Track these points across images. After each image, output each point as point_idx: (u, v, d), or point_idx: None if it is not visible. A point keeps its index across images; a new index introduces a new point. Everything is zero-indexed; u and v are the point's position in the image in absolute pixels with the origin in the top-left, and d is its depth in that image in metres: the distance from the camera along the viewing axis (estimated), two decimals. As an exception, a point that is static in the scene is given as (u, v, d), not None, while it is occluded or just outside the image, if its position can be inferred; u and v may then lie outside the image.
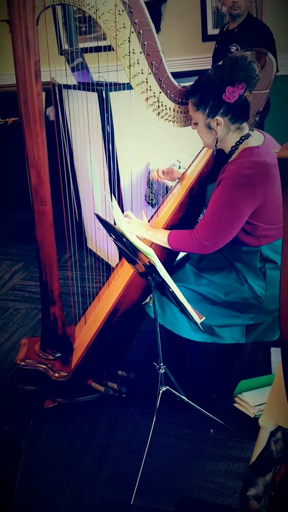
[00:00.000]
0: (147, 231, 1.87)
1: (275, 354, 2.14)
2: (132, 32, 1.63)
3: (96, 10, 1.59)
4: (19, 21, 1.56)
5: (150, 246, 1.83)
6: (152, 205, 2.71)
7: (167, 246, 1.83)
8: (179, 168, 2.61)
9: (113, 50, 1.67)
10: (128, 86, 2.16)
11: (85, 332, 2.07)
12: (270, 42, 3.27)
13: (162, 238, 1.83)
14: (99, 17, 1.60)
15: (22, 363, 2.09)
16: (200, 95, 1.65)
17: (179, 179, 2.09)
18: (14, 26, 1.58)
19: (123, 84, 2.34)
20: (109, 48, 1.70)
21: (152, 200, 2.67)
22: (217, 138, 1.71)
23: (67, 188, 2.30)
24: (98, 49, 1.81)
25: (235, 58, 1.59)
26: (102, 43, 2.31)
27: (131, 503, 1.63)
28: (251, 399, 1.94)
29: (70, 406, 2.02)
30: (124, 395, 2.01)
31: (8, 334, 2.66)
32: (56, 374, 1.99)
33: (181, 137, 2.35)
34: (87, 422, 2.00)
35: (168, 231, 1.83)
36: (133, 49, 1.66)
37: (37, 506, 1.66)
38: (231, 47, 3.34)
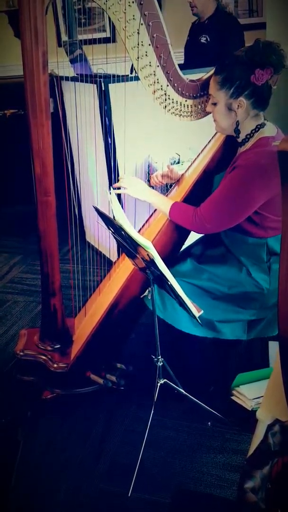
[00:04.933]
0: (150, 191, 1.85)
1: (273, 347, 2.14)
2: (141, 24, 1.61)
3: (106, 1, 1.57)
4: (28, 10, 1.55)
5: (153, 240, 1.83)
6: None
7: (166, 214, 1.82)
8: (179, 161, 2.60)
9: (113, 42, 1.66)
10: (128, 78, 2.14)
11: (85, 324, 2.07)
12: (240, 34, 3.34)
13: (164, 205, 1.83)
14: (109, 8, 1.58)
15: (21, 353, 2.09)
16: (226, 74, 1.64)
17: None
18: (22, 16, 1.57)
19: (123, 76, 2.32)
20: (108, 40, 1.69)
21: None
22: (238, 121, 1.69)
23: (66, 181, 2.29)
24: (98, 40, 1.80)
25: (268, 42, 1.60)
26: (101, 35, 2.30)
27: (129, 495, 1.64)
28: (249, 392, 1.95)
29: (68, 397, 2.03)
30: (122, 388, 2.01)
31: (6, 326, 2.66)
32: (55, 365, 1.99)
33: (181, 130, 2.33)
34: (85, 414, 2.00)
35: (173, 201, 1.82)
36: (141, 41, 1.64)
37: (35, 499, 1.66)
38: (201, 38, 3.41)
